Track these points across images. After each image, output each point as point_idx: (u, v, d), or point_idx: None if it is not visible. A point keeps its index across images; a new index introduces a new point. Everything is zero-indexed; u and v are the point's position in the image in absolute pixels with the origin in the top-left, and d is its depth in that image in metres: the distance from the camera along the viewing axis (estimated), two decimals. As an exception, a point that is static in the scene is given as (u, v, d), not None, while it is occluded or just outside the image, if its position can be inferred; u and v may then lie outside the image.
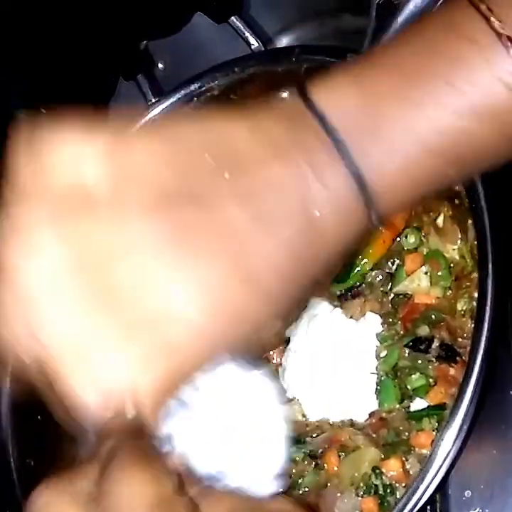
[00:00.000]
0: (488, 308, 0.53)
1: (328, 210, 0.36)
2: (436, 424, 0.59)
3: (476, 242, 0.57)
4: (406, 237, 0.66)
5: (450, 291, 0.64)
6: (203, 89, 0.69)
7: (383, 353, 0.64)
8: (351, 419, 0.64)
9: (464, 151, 0.38)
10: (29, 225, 0.35)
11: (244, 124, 0.37)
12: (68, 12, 0.69)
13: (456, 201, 0.62)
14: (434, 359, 0.61)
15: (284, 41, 0.87)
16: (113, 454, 0.35)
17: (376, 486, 0.59)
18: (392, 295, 0.67)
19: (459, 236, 0.63)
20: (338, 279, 0.68)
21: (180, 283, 0.35)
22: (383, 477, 0.59)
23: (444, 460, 0.52)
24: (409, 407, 0.62)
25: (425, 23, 0.39)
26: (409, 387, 0.62)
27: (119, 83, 0.78)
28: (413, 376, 0.61)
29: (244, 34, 0.75)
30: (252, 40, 0.74)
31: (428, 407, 0.60)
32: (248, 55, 0.73)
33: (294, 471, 0.63)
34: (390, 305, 0.66)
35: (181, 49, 0.82)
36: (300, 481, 0.62)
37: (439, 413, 0.59)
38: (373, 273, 0.67)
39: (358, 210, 0.37)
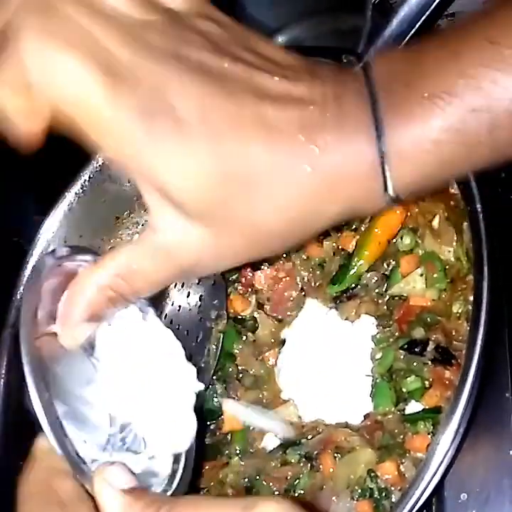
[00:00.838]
0: (483, 311, 0.53)
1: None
2: (432, 427, 0.59)
3: (471, 245, 0.56)
4: (401, 238, 0.66)
5: (445, 294, 0.63)
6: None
7: (378, 355, 0.64)
8: (346, 422, 0.64)
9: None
10: None
11: None
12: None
13: (452, 203, 0.62)
14: (429, 362, 0.61)
15: (280, 40, 0.87)
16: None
17: (371, 489, 0.59)
18: (388, 297, 0.66)
19: (455, 238, 0.63)
20: (334, 280, 0.68)
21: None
22: (378, 480, 0.59)
23: (440, 464, 0.52)
24: (404, 409, 0.61)
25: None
26: (404, 389, 0.61)
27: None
28: (408, 379, 0.61)
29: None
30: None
31: (423, 410, 0.60)
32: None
33: (289, 473, 0.63)
34: (385, 307, 0.66)
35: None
36: (296, 483, 0.62)
37: (435, 416, 0.59)
38: (368, 275, 0.67)
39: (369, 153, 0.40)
